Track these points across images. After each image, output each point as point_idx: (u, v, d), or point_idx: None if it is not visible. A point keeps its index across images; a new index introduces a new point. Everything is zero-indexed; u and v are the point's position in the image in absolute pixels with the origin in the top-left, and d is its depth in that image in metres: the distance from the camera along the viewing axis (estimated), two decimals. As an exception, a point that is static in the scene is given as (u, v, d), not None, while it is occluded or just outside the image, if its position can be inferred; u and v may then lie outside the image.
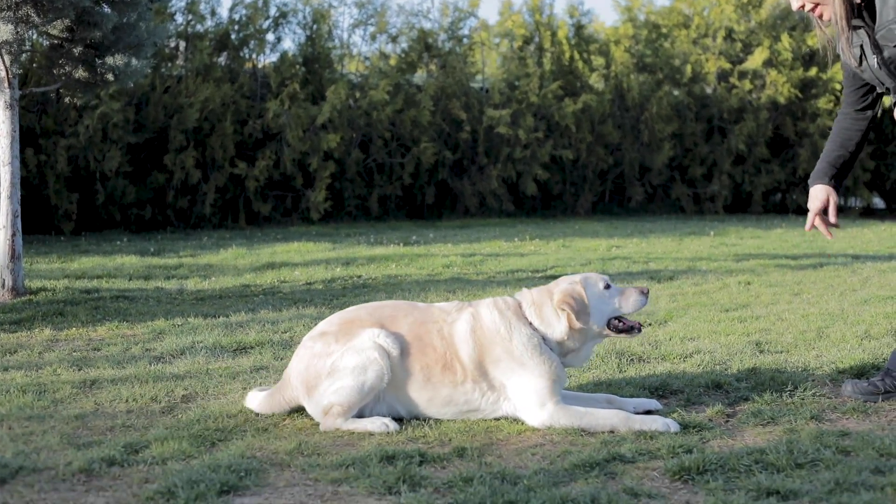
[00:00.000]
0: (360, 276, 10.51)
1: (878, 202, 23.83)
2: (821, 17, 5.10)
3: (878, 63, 5.04)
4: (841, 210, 22.54)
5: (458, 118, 19.30)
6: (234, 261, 11.96)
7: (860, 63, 5.12)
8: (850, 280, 10.09)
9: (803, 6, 5.08)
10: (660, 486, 4.07)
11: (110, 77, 9.55)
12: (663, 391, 5.45)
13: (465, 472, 4.17)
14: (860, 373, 5.76)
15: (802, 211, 21.92)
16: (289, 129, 17.49)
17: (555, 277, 10.44)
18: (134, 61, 9.58)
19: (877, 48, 5.00)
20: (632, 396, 5.31)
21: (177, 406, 5.37)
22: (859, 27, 5.04)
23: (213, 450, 4.59)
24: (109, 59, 9.48)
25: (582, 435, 4.74)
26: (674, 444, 4.47)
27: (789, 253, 12.74)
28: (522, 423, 4.91)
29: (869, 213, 22.58)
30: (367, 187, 18.88)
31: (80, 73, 9.53)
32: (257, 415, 5.16)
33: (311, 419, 5.06)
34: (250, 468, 4.26)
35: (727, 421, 4.96)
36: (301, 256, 12.31)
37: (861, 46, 5.07)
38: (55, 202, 15.88)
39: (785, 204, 22.22)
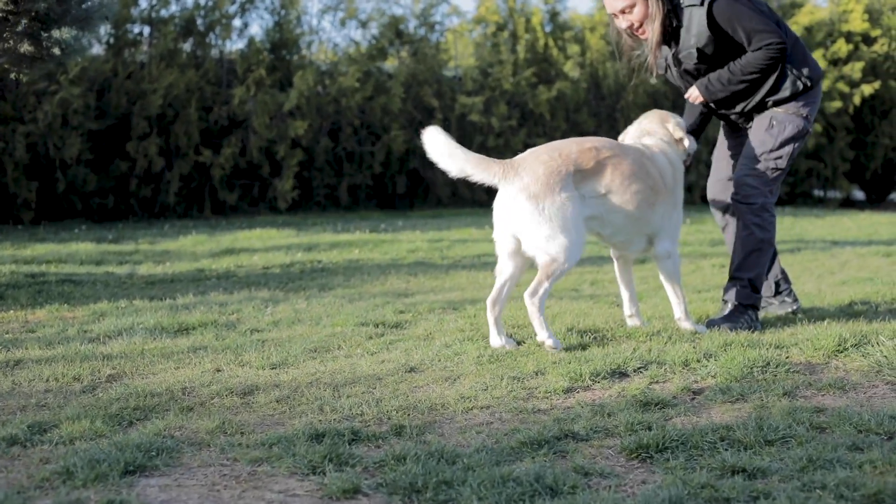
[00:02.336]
0: (320, 261, 10.11)
1: (858, 193, 23.56)
2: (642, 34, 6.27)
3: (678, 74, 6.38)
4: (821, 201, 22.26)
5: (430, 106, 18.91)
6: (192, 247, 11.55)
7: (665, 71, 6.44)
8: (828, 263, 9.74)
9: (631, 26, 6.24)
10: (614, 465, 3.68)
11: (57, 51, 9.10)
12: (625, 368, 5.05)
13: (399, 450, 3.77)
14: (839, 350, 5.38)
15: (781, 201, 21.60)
16: (255, 116, 17.05)
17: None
18: (83, 35, 9.17)
19: (678, 63, 6.32)
20: (593, 374, 4.92)
21: (100, 385, 4.97)
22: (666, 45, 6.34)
23: (130, 429, 4.19)
24: (56, 33, 9.05)
25: (533, 413, 4.35)
26: (632, 421, 4.08)
27: (766, 238, 12.37)
28: (470, 401, 4.52)
29: (849, 205, 22.29)
30: (337, 176, 18.46)
31: (26, 47, 9.09)
32: (182, 392, 4.76)
33: (241, 396, 4.67)
34: (164, 447, 3.86)
35: (693, 398, 4.57)
36: (262, 243, 11.91)
37: (666, 59, 6.38)
38: (14, 190, 15.38)
39: (763, 194, 21.86)
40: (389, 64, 19.42)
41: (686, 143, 6.17)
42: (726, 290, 6.34)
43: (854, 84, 21.38)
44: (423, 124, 18.84)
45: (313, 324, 6.56)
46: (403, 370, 5.13)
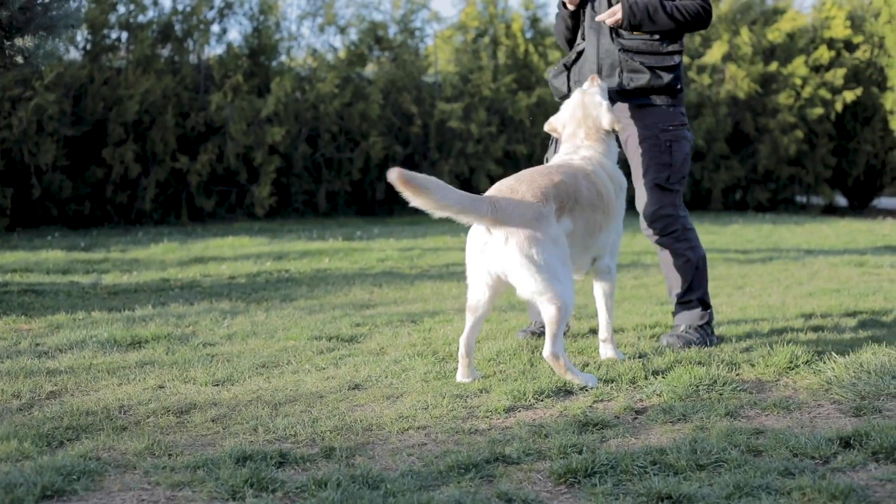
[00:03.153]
0: (287, 271, 10.03)
1: (841, 200, 23.53)
2: None
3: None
4: (803, 208, 22.23)
5: (409, 112, 18.84)
6: (162, 255, 11.47)
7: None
8: (798, 274, 9.68)
9: None
10: (540, 490, 3.61)
11: (20, 59, 9.04)
12: (571, 386, 4.98)
13: (323, 475, 3.69)
14: (790, 367, 5.31)
15: (763, 208, 21.59)
16: (232, 122, 16.97)
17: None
18: (48, 44, 9.09)
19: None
20: (537, 392, 4.84)
21: (38, 403, 4.88)
22: None
23: (59, 450, 4.11)
24: (19, 41, 8.98)
25: (469, 433, 4.28)
26: (566, 444, 4.01)
27: (741, 248, 12.35)
28: (407, 420, 4.45)
29: (831, 211, 22.25)
30: (315, 182, 18.38)
31: (-13, 54, 9.04)
32: (119, 410, 4.68)
33: (178, 415, 4.60)
34: (87, 470, 3.78)
35: (635, 418, 4.50)
36: (233, 251, 11.83)
37: None
38: (-12, 197, 15.33)
39: (745, 201, 21.84)
40: (369, 70, 19.35)
41: (607, 122, 5.69)
42: (677, 314, 6.21)
43: (836, 91, 21.35)
44: (403, 130, 18.92)
45: (267, 337, 6.49)
46: (347, 387, 5.07)
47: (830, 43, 21.81)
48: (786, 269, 10.01)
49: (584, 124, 5.65)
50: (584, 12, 6.13)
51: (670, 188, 6.05)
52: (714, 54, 20.75)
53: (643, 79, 5.96)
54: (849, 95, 21.02)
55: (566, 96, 6.12)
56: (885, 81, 21.32)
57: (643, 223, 6.10)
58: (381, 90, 18.45)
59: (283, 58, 18.69)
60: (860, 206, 22.88)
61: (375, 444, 4.16)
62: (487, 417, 4.53)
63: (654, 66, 5.98)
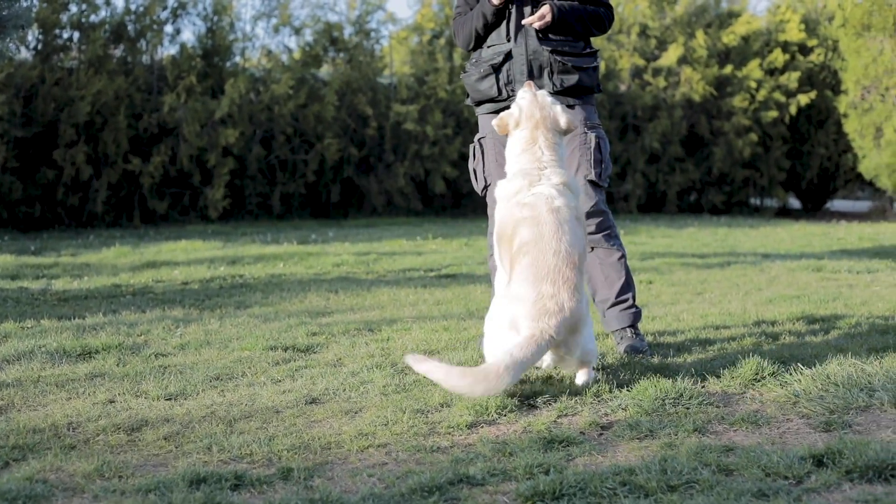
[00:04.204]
0: (242, 276, 9.87)
1: (794, 202, 23.62)
2: None
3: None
4: (757, 210, 22.28)
5: (365, 114, 18.71)
6: (114, 259, 11.27)
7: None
8: (756, 279, 9.62)
9: None
10: (507, 515, 3.49)
11: (-34, 60, 8.87)
12: (535, 400, 4.85)
13: (281, 498, 3.55)
14: (755, 379, 5.22)
15: (717, 210, 21.61)
16: (185, 123, 16.78)
17: (448, 277, 9.91)
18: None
19: None
20: (500, 406, 4.72)
21: (-17, 419, 4.71)
22: None
23: (3, 472, 3.94)
24: (-35, 41, 8.80)
25: (431, 451, 4.15)
26: (532, 463, 3.88)
27: (697, 252, 12.30)
28: (367, 438, 4.31)
29: (784, 214, 22.33)
30: (270, 185, 18.22)
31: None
32: (67, 427, 4.51)
33: (129, 432, 4.44)
34: (33, 494, 3.62)
35: (601, 434, 4.39)
36: (186, 255, 11.65)
37: None
38: (-64, 199, 15.06)
39: (700, 203, 21.87)
40: (324, 71, 19.20)
41: (565, 123, 5.39)
42: (615, 316, 6.13)
43: (790, 94, 21.43)
44: (358, 132, 18.76)
45: (221, 347, 6.33)
46: (304, 402, 4.92)
47: (785, 46, 21.88)
48: (744, 275, 9.95)
49: (542, 126, 5.33)
50: (509, 11, 6.02)
51: (602, 184, 6.06)
52: (670, 57, 20.75)
53: (573, 79, 5.97)
54: (803, 98, 21.09)
55: (495, 99, 6.06)
56: (838, 85, 21.41)
57: None
58: (337, 91, 18.32)
59: (238, 59, 18.54)
60: (814, 209, 22.98)
61: (334, 464, 4.01)
62: (449, 434, 4.40)
63: (581, 66, 5.99)
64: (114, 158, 16.61)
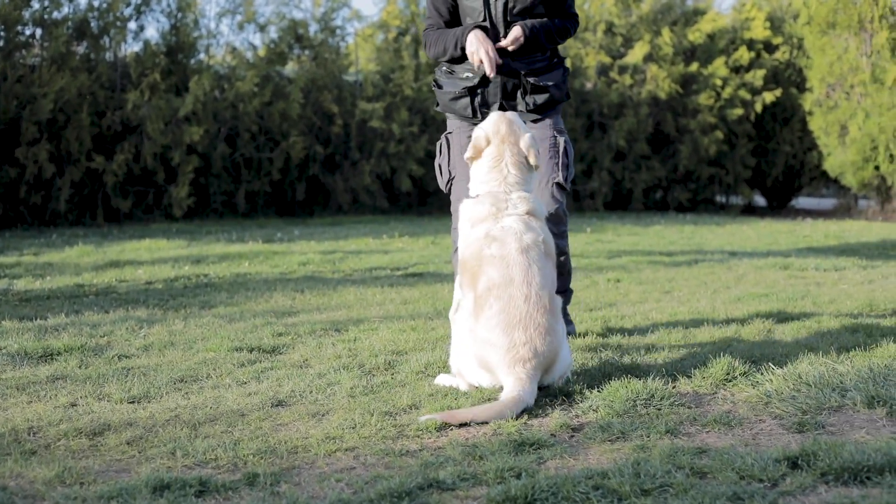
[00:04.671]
0: (206, 275, 9.76)
1: (760, 200, 23.67)
2: None
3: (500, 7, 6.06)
4: (722, 207, 22.32)
5: (330, 111, 18.60)
6: (77, 259, 11.13)
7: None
8: (724, 277, 9.60)
9: None
10: (477, 520, 3.42)
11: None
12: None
13: (247, 505, 3.47)
14: (727, 379, 5.18)
15: (683, 208, 21.62)
16: (149, 121, 16.61)
17: (415, 276, 9.84)
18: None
19: None
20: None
21: (-59, 424, 4.60)
22: None
23: (-38, 479, 3.84)
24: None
25: (400, 455, 4.07)
26: (503, 467, 3.81)
27: (664, 250, 12.27)
28: (335, 441, 4.23)
29: (750, 211, 22.36)
30: (234, 183, 18.08)
31: None
32: (28, 432, 4.41)
33: (91, 437, 4.34)
34: (-9, 503, 3.53)
35: (572, 436, 4.32)
36: (150, 254, 11.52)
37: None
38: None
39: (666, 201, 21.88)
40: (289, 68, 19.09)
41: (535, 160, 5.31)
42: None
43: (756, 91, 21.47)
44: (323, 130, 18.65)
45: (186, 348, 6.23)
46: (270, 404, 4.83)
47: (750, 44, 21.92)
48: (712, 273, 9.93)
49: (508, 141, 5.26)
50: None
51: (566, 188, 6.18)
52: (636, 54, 20.75)
53: (544, 97, 6.12)
54: (768, 96, 21.13)
55: (467, 117, 6.19)
56: (803, 82, 21.47)
57: None
58: (302, 89, 18.21)
59: (202, 56, 18.37)
60: (779, 206, 23.04)
61: (301, 469, 3.93)
62: (418, 437, 4.32)
63: (551, 81, 6.15)
64: (77, 156, 16.42)
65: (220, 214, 17.90)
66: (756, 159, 22.18)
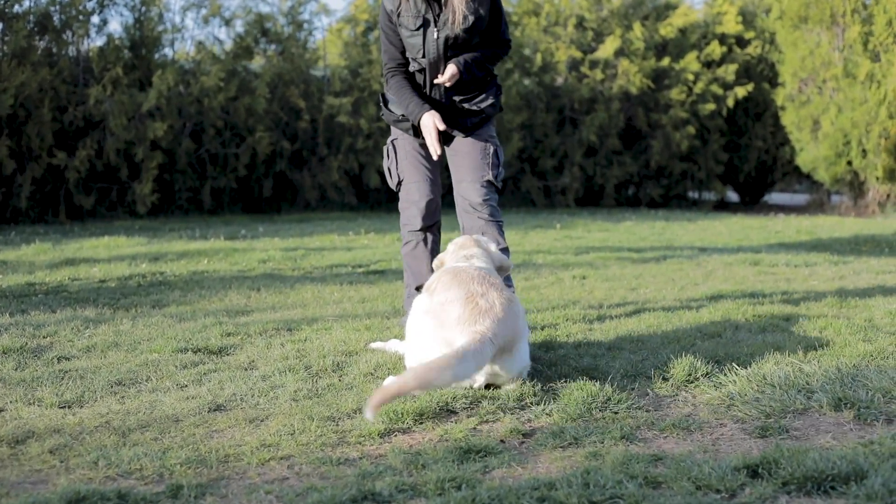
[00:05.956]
0: (163, 273, 9.49)
1: (732, 195, 23.54)
2: None
3: (437, 40, 6.23)
4: (694, 203, 22.18)
5: (297, 106, 18.36)
6: (32, 257, 10.85)
7: (418, 28, 6.22)
8: (693, 274, 9.39)
9: None
10: (412, 537, 3.18)
11: None
12: (454, 405, 4.55)
13: (165, 520, 3.23)
14: (688, 380, 4.96)
15: (655, 204, 21.46)
16: (112, 116, 16.33)
17: (376, 273, 9.61)
18: None
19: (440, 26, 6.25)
20: (417, 412, 4.41)
21: None
22: None
23: None
24: None
25: (337, 464, 3.83)
26: (444, 477, 3.57)
27: (633, 246, 12.07)
28: (270, 449, 3.99)
29: (722, 207, 22.23)
30: (200, 179, 17.81)
31: None
32: None
33: (12, 445, 4.08)
34: None
35: (522, 443, 4.09)
36: (108, 252, 11.24)
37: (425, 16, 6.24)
38: None
39: (638, 197, 21.72)
40: (255, 63, 18.82)
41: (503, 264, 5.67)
42: None
43: (728, 86, 21.33)
44: (290, 125, 18.39)
45: (129, 349, 5.97)
46: (208, 409, 4.58)
47: (722, 38, 21.79)
48: (680, 269, 9.73)
49: (473, 242, 5.73)
50: (423, 72, 6.43)
51: (497, 185, 6.47)
52: (607, 49, 20.57)
53: (479, 117, 6.44)
54: (740, 91, 21.00)
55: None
56: (776, 77, 21.33)
57: (469, 204, 6.42)
58: (268, 84, 17.97)
59: (167, 50, 18.09)
60: (751, 202, 22.92)
61: (231, 480, 3.68)
62: (360, 444, 4.08)
63: (489, 103, 6.45)
64: (38, 152, 16.12)
65: (185, 211, 17.64)
66: (728, 155, 22.05)
